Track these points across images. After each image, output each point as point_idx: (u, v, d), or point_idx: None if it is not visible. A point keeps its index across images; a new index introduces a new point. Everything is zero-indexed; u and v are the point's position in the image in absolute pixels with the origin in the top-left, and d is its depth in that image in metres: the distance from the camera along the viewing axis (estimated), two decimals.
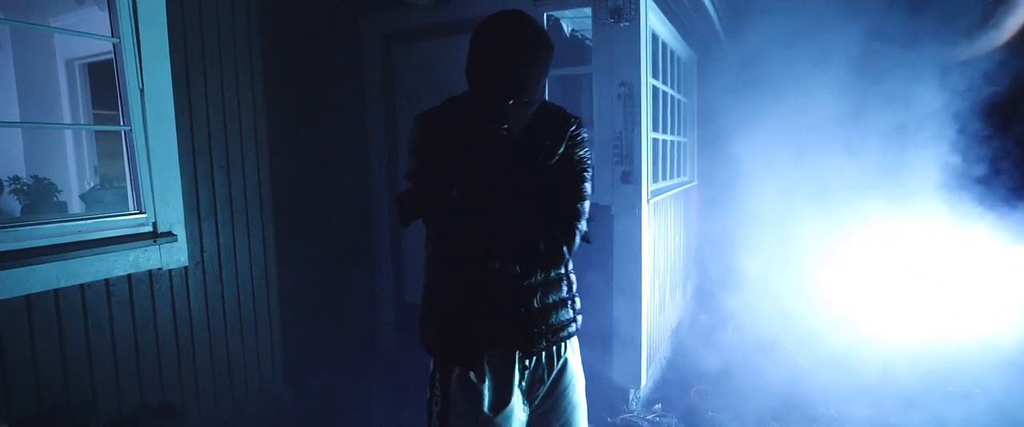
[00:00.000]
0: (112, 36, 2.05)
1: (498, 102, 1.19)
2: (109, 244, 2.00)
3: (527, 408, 1.36)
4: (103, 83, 3.97)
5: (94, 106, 4.18)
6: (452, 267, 1.30)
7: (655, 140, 3.20)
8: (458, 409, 1.30)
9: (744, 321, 4.10)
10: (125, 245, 2.05)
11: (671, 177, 3.83)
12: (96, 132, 4.21)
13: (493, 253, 1.25)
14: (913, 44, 3.86)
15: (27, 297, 1.80)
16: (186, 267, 2.32)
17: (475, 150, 1.25)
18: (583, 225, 1.29)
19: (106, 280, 2.01)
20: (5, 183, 3.17)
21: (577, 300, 1.41)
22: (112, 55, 2.09)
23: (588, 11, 2.83)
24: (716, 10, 3.78)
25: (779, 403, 2.99)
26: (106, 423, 2.02)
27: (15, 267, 1.74)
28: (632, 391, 2.89)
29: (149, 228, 2.17)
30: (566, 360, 1.38)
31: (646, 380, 2.93)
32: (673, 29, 3.53)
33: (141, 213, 2.14)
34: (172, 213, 2.24)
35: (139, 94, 2.11)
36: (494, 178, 1.24)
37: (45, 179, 3.15)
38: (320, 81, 3.05)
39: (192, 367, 2.35)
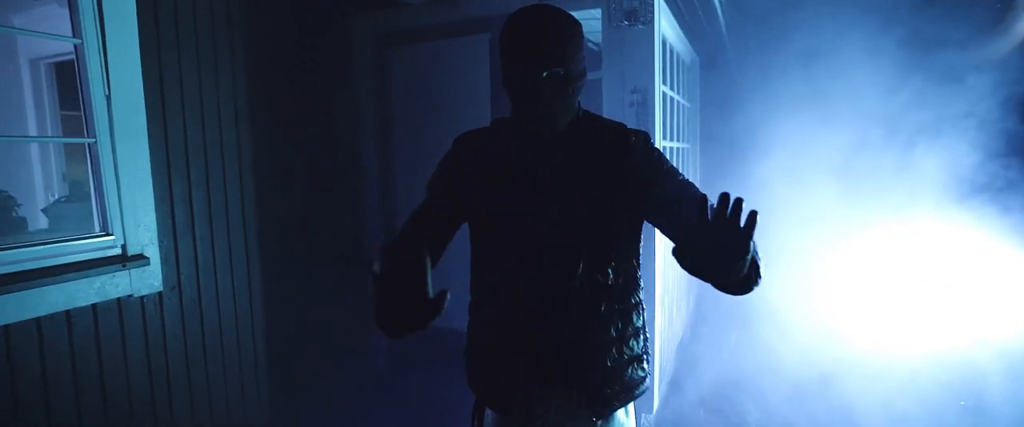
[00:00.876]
0: (74, 36, 1.82)
1: (532, 75, 1.03)
2: (71, 271, 1.77)
3: None
4: (73, 83, 3.70)
5: (63, 107, 3.89)
6: (487, 305, 1.20)
7: (665, 148, 3.04)
8: None
9: (747, 332, 3.98)
10: (89, 271, 1.82)
11: None
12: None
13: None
14: (915, 47, 3.77)
15: None
16: (160, 292, 2.09)
17: (507, 173, 1.12)
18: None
19: (67, 312, 1.78)
20: None
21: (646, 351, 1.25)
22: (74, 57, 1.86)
23: (595, 12, 2.66)
24: (723, 11, 3.63)
25: (782, 423, 2.88)
26: None
27: None
28: (644, 415, 2.73)
29: (117, 251, 1.95)
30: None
31: (658, 403, 2.77)
32: (680, 31, 3.38)
33: (108, 235, 1.91)
34: (144, 234, 2.01)
35: (105, 102, 1.88)
36: (528, 207, 1.10)
37: (3, 191, 2.87)
38: (308, 87, 2.83)
39: (167, 401, 2.13)
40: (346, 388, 3.03)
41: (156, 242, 2.06)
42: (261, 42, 2.52)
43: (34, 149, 3.74)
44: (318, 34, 2.90)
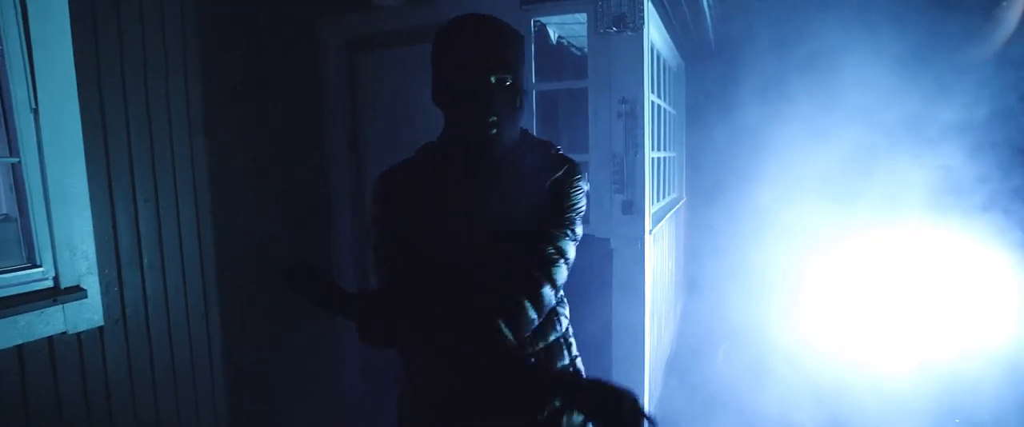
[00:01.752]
0: None
1: (481, 82, 0.99)
2: None
3: None
4: None
5: None
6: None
7: (653, 160, 2.91)
8: None
9: (735, 344, 3.89)
10: (12, 308, 1.60)
11: (664, 196, 3.55)
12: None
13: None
14: (907, 51, 3.71)
15: None
16: (101, 327, 1.87)
17: (440, 199, 1.06)
18: (546, 294, 1.00)
19: None
20: None
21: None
22: None
23: (581, 17, 2.51)
24: (712, 17, 3.52)
25: None
26: None
27: None
28: None
29: (49, 284, 1.73)
30: None
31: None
32: (667, 37, 3.25)
33: (36, 266, 1.69)
34: (80, 263, 1.79)
35: (31, 115, 1.66)
36: (455, 235, 1.03)
37: None
38: (271, 95, 2.61)
39: None
40: (317, 416, 2.83)
41: (95, 271, 1.84)
42: (216, 47, 2.30)
43: None
44: (282, 38, 2.68)
